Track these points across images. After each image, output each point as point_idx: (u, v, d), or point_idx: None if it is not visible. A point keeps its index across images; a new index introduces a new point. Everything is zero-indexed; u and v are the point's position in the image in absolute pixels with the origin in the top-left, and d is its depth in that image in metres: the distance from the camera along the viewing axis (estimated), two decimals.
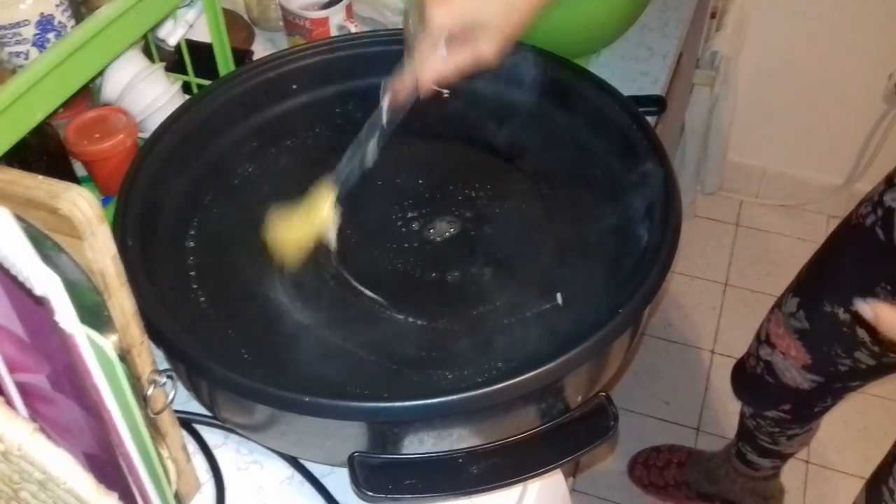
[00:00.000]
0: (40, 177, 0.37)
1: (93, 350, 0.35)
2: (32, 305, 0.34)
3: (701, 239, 1.72)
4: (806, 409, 0.96)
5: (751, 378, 0.98)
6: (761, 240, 1.71)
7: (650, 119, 0.68)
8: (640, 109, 0.66)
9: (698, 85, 1.48)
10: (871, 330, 0.78)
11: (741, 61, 1.53)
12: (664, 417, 1.42)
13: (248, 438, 0.56)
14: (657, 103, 0.73)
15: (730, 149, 1.66)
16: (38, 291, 0.32)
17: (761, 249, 1.69)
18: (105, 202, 0.68)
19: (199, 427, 0.57)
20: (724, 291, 1.62)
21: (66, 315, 0.33)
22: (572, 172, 0.68)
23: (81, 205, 0.36)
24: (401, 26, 0.90)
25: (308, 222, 0.57)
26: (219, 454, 0.55)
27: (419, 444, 0.49)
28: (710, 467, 1.22)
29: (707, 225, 1.75)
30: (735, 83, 1.49)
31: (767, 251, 1.69)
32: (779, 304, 0.92)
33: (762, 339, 0.95)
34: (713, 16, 1.46)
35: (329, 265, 0.60)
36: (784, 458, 1.11)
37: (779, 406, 0.97)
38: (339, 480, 0.54)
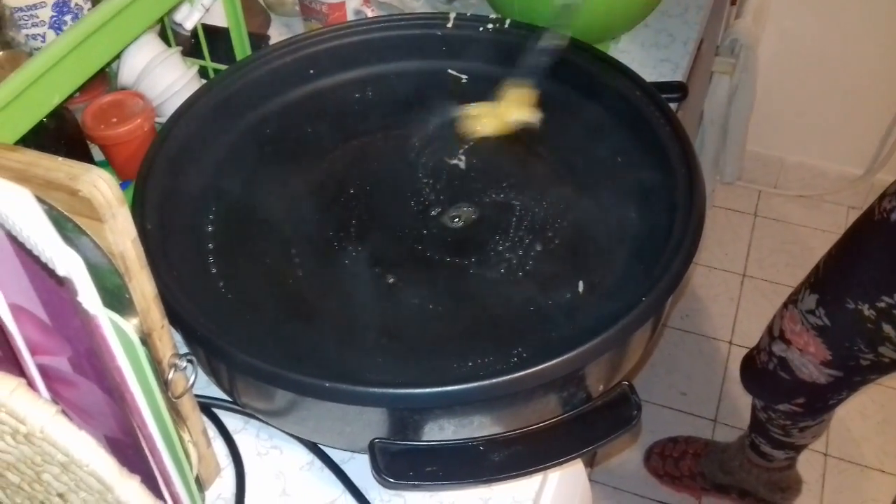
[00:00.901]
0: (60, 158, 0.37)
1: (115, 332, 0.35)
2: (54, 287, 0.34)
3: (719, 229, 1.70)
4: (819, 403, 0.95)
5: (762, 373, 0.97)
6: (780, 230, 1.70)
7: (671, 106, 0.67)
8: (662, 96, 0.65)
9: (717, 73, 1.46)
10: None
11: (761, 49, 1.51)
12: (681, 408, 1.41)
13: (268, 424, 0.55)
14: (679, 90, 0.72)
15: (749, 138, 1.64)
16: (60, 272, 0.32)
17: (780, 240, 1.68)
18: (123, 186, 0.68)
19: (218, 412, 0.57)
20: (742, 282, 1.60)
21: (88, 296, 0.33)
22: (593, 159, 0.67)
23: (101, 186, 0.36)
24: (418, 11, 0.89)
25: (504, 116, 0.64)
26: (239, 439, 0.55)
27: (440, 432, 0.49)
28: (724, 458, 1.22)
29: (725, 215, 1.73)
30: (755, 71, 1.47)
31: (786, 242, 1.67)
32: (794, 301, 0.91)
33: (775, 334, 0.94)
34: (733, 3, 1.44)
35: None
36: (798, 449, 1.10)
37: (791, 400, 0.96)
38: (359, 466, 0.54)
